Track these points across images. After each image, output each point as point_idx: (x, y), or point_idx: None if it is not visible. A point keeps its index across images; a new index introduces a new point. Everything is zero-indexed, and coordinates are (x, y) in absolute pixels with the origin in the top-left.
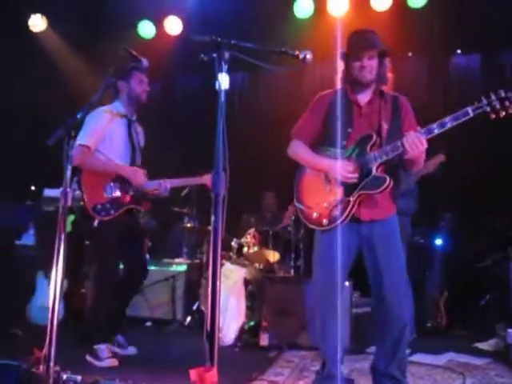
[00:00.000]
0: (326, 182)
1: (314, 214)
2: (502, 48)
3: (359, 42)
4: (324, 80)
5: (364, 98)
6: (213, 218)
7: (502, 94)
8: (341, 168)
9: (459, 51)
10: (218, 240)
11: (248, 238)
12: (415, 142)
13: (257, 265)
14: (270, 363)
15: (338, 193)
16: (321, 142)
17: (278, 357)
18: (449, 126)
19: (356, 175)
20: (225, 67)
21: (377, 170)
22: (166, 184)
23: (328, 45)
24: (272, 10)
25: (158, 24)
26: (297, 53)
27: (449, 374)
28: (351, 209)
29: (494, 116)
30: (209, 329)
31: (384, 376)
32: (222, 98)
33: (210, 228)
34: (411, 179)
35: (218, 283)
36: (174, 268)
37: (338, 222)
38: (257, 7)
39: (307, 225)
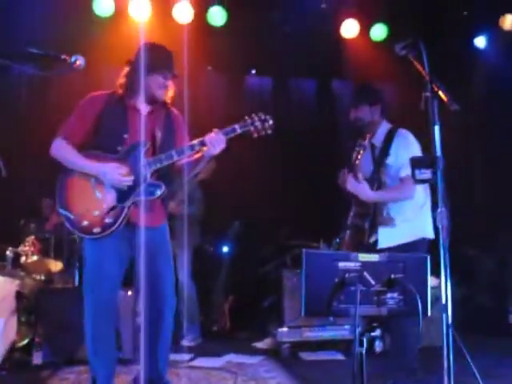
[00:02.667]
0: (96, 187)
1: (85, 222)
2: (291, 74)
3: (167, 61)
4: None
5: (145, 107)
6: None
7: (262, 117)
8: (113, 171)
9: (254, 71)
10: None
11: (26, 247)
12: (217, 141)
13: (37, 276)
14: (42, 383)
15: (111, 199)
16: (91, 145)
17: (52, 375)
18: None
19: (130, 178)
20: None
21: (151, 177)
22: None
23: (127, 48)
24: (70, 4)
25: None
26: (64, 57)
27: (224, 375)
28: (125, 216)
29: (256, 135)
30: None
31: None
32: None
33: None
34: (192, 185)
35: None
36: None
37: (112, 229)
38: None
39: (75, 233)
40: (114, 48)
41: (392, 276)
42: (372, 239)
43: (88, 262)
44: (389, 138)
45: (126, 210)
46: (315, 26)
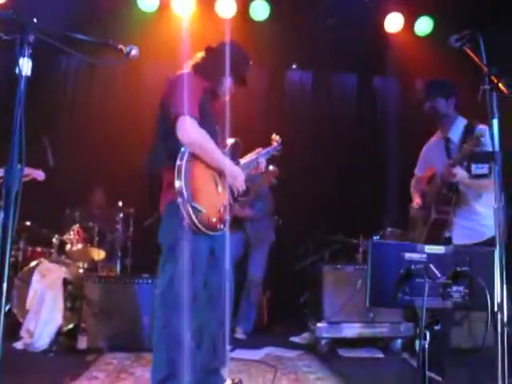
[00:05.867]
0: (219, 182)
1: (213, 219)
2: (332, 69)
3: (247, 68)
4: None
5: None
6: (1, 215)
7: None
8: (241, 177)
9: (295, 66)
10: (7, 240)
11: (71, 235)
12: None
13: (80, 263)
14: (86, 367)
15: (227, 197)
16: None
17: (97, 360)
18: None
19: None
20: (28, 51)
21: None
22: None
23: (170, 42)
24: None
25: None
26: (120, 46)
27: (263, 368)
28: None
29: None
30: None
31: (208, 372)
32: (22, 85)
33: (28, 223)
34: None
35: (4, 285)
36: None
37: (226, 226)
38: None
39: (200, 228)
40: (157, 42)
41: (458, 269)
42: (447, 234)
43: (198, 257)
44: (468, 133)
45: (231, 210)
46: (358, 20)
